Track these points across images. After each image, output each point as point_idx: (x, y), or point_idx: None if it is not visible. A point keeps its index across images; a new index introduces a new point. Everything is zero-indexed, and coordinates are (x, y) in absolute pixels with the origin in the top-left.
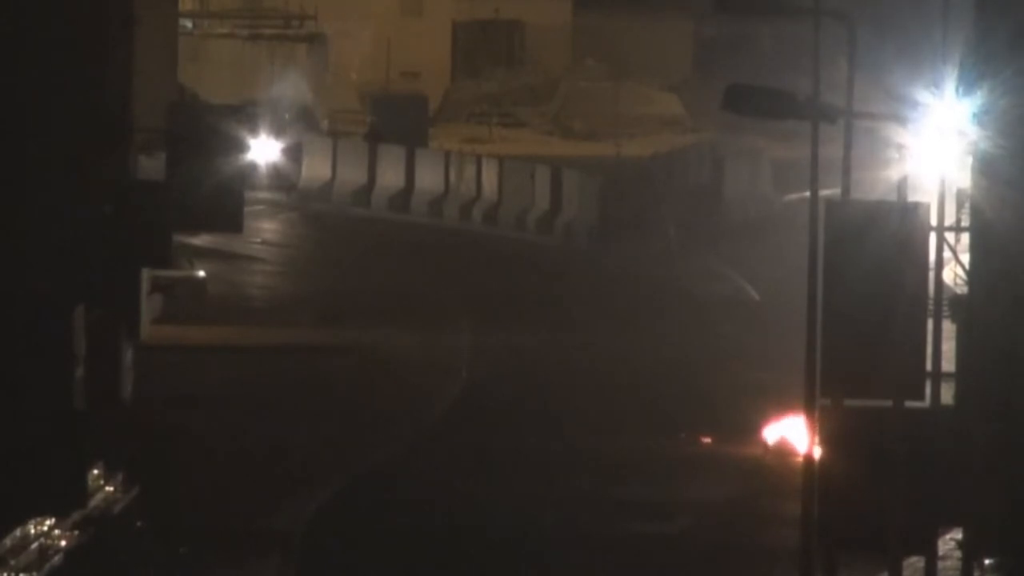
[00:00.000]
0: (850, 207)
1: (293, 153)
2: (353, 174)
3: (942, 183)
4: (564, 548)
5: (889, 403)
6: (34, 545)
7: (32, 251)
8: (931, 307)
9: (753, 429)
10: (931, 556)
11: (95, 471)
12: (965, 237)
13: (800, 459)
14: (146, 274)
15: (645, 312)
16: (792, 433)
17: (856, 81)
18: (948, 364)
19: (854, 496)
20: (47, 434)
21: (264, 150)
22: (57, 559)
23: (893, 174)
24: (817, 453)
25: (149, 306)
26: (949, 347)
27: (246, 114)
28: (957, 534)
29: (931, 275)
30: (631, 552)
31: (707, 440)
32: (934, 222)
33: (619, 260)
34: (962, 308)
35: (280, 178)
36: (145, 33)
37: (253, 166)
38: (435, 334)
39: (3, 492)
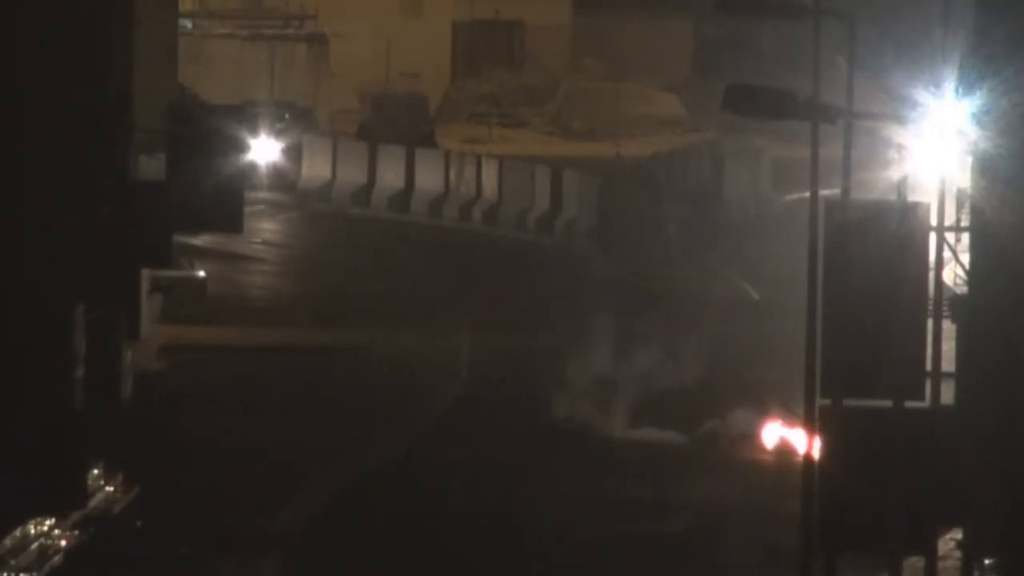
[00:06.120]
0: (850, 207)
1: (293, 153)
2: (353, 174)
3: (942, 183)
4: (564, 548)
5: (889, 403)
6: (34, 545)
7: (32, 251)
8: (931, 307)
9: (753, 429)
10: (931, 556)
11: (95, 471)
12: (965, 237)
13: (800, 459)
14: (146, 274)
15: (644, 312)
16: (792, 433)
17: (856, 81)
18: (948, 364)
19: (854, 496)
20: (47, 434)
21: (264, 150)
22: (57, 559)
23: (893, 174)
24: (817, 453)
25: (149, 306)
26: (949, 347)
27: (246, 114)
28: (957, 534)
29: (931, 275)
30: (631, 552)
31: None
32: (934, 222)
33: (619, 260)
34: (962, 308)
35: (280, 178)
36: (145, 33)
37: (253, 166)
38: (435, 334)
39: (3, 492)
